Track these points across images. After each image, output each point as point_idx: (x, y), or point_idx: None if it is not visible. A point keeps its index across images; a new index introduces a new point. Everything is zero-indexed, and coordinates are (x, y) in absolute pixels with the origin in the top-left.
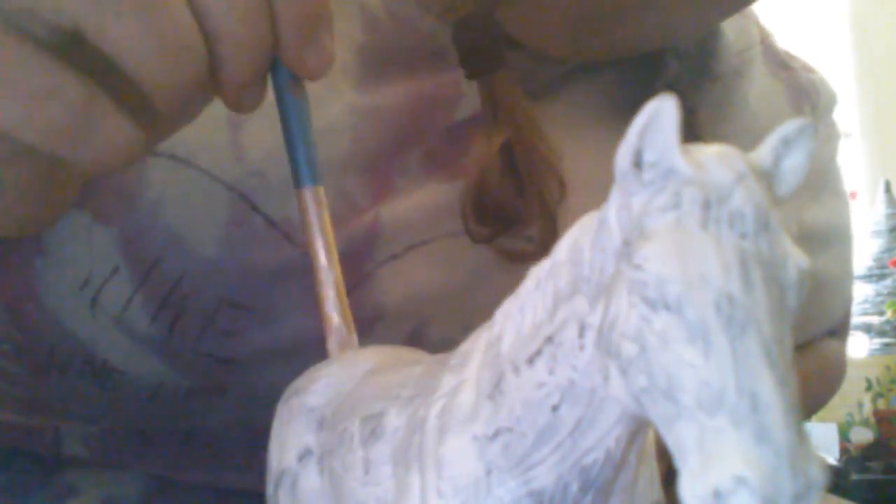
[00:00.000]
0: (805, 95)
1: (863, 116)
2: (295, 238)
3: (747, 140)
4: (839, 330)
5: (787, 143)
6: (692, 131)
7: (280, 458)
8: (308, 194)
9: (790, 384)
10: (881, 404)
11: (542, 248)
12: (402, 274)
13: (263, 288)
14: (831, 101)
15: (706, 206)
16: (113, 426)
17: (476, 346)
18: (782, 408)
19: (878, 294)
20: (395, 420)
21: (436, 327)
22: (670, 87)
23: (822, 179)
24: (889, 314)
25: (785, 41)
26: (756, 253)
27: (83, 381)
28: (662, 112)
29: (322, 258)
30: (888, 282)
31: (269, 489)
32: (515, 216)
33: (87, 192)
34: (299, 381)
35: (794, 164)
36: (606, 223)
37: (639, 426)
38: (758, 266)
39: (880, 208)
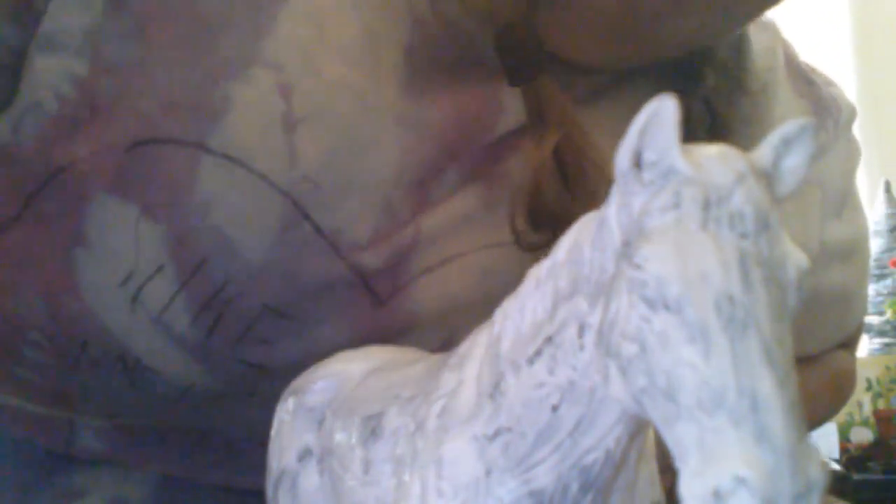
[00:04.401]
0: (828, 112)
1: (863, 116)
2: (341, 250)
3: None
4: (851, 342)
5: (787, 143)
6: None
7: (280, 457)
8: None
9: (790, 384)
10: (881, 404)
11: None
12: (438, 285)
13: (306, 298)
14: (851, 116)
15: (706, 206)
16: (133, 422)
17: (476, 346)
18: (782, 408)
19: (879, 294)
20: (395, 420)
21: (467, 334)
22: (707, 99)
23: (843, 196)
24: (889, 314)
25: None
26: (756, 253)
27: (113, 378)
28: (662, 112)
29: None
30: (888, 282)
31: (269, 489)
32: (567, 221)
33: (136, 185)
34: (299, 381)
35: (794, 165)
36: (606, 223)
37: (639, 426)
38: (757, 266)
39: (880, 208)
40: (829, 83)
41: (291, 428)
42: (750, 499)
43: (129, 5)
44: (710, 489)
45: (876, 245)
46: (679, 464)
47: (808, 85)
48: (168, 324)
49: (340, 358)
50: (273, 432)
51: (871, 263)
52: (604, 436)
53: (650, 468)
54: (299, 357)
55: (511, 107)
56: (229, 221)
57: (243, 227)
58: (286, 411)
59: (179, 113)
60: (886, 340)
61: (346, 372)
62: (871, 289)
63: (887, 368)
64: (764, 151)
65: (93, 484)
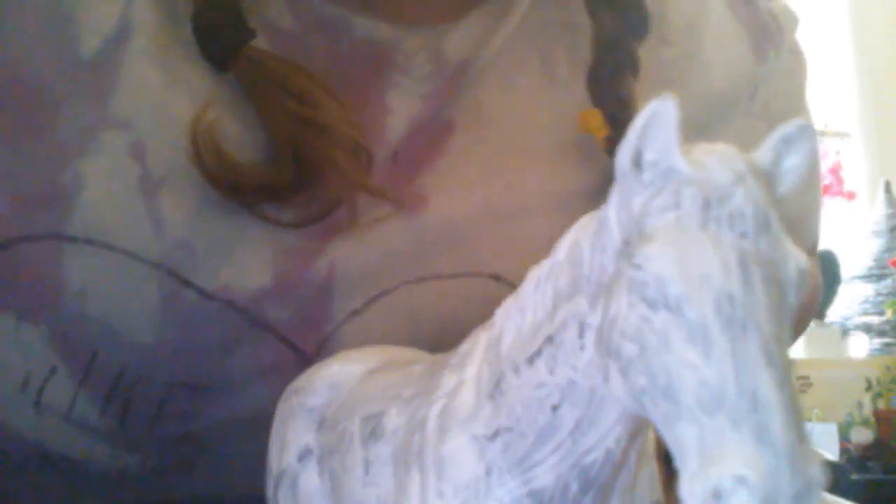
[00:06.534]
0: (768, 36)
1: (863, 116)
2: (237, 303)
3: (706, 100)
4: (812, 251)
5: (787, 143)
6: (630, 94)
7: (280, 458)
8: None
9: (790, 384)
10: (881, 404)
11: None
12: (365, 330)
13: (213, 363)
14: (793, 28)
15: (706, 206)
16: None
17: (476, 346)
18: (782, 408)
19: (879, 294)
20: (395, 420)
21: None
22: (609, 40)
23: (792, 116)
24: (889, 314)
25: None
26: (756, 253)
27: (45, 477)
28: (662, 112)
29: None
30: (888, 282)
31: (269, 489)
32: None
33: (4, 293)
34: (299, 381)
35: (794, 164)
36: (606, 223)
37: (639, 426)
38: (758, 266)
39: (880, 208)
40: None
41: (291, 428)
42: (750, 498)
43: None
44: (710, 489)
45: (876, 245)
46: (679, 464)
47: (747, 6)
48: (78, 420)
49: (340, 358)
50: (273, 432)
51: (871, 263)
52: (604, 436)
53: (650, 468)
54: (225, 421)
55: (396, 108)
56: (108, 309)
57: (124, 313)
58: (286, 411)
59: (30, 206)
60: (886, 340)
61: (346, 372)
62: (871, 289)
63: (887, 368)
64: (764, 151)
65: None
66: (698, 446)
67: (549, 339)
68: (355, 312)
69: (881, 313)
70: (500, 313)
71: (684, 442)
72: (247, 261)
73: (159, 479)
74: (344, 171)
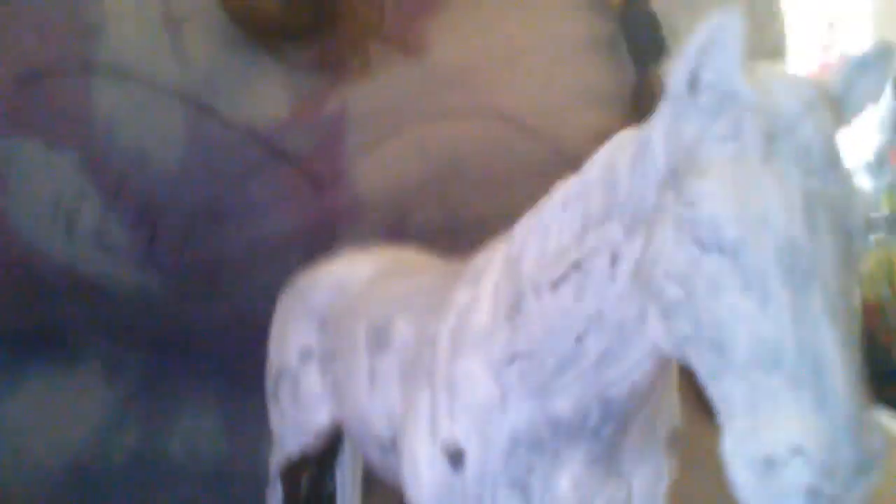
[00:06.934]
0: None
1: (876, 9)
2: (257, 133)
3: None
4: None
5: (864, 66)
6: None
7: (280, 354)
8: None
9: (855, 343)
10: (871, 298)
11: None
12: (380, 165)
13: (234, 190)
14: None
15: (770, 137)
16: (116, 335)
17: (492, 261)
18: (846, 371)
19: (877, 189)
20: (403, 331)
21: (418, 214)
22: None
23: (767, 21)
24: (885, 208)
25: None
26: (823, 193)
27: (74, 301)
28: (726, 29)
29: None
30: (887, 176)
31: (270, 385)
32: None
33: (33, 121)
34: (302, 279)
35: (868, 88)
36: (650, 147)
37: (668, 360)
38: (825, 208)
39: (884, 103)
40: None
41: (292, 326)
42: (806, 470)
43: None
44: (762, 455)
45: (878, 139)
46: (724, 420)
47: None
48: (108, 244)
49: (347, 258)
50: (273, 328)
51: (872, 157)
52: (630, 369)
53: (671, 395)
54: (248, 248)
55: None
56: (135, 138)
57: (150, 141)
58: (287, 307)
59: (57, 39)
60: (881, 235)
61: (352, 274)
62: (870, 183)
63: (880, 263)
64: (836, 77)
65: (88, 350)
66: (748, 405)
67: (577, 265)
68: (368, 147)
69: (877, 208)
70: (520, 229)
71: (731, 398)
72: (266, 95)
73: (182, 304)
74: (358, 16)
